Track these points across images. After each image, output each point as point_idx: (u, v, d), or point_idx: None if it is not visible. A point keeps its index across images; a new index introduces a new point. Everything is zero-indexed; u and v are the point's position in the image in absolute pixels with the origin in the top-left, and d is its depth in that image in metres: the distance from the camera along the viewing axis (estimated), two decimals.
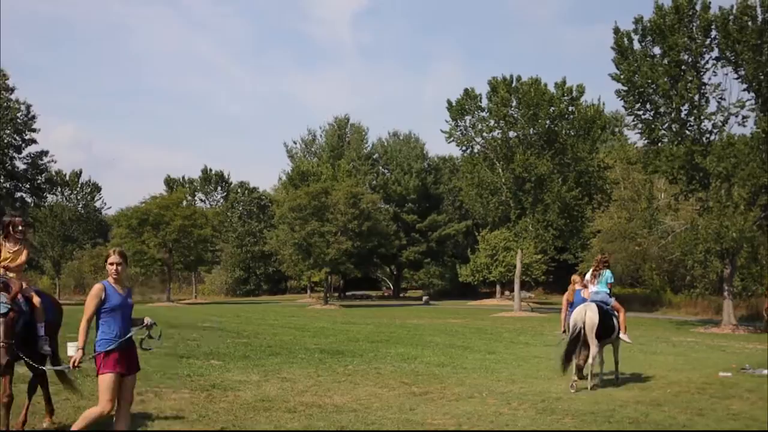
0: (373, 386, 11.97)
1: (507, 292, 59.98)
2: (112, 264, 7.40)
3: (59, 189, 70.43)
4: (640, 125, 31.96)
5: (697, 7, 29.59)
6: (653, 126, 31.37)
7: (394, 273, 75.25)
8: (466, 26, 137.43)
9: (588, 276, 13.65)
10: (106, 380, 6.80)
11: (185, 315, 34.90)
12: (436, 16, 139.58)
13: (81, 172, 77.33)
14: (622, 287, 48.74)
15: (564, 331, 14.14)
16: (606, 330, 12.79)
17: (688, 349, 20.16)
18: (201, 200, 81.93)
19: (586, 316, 12.53)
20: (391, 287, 76.02)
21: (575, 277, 14.73)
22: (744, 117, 29.55)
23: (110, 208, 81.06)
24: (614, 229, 49.04)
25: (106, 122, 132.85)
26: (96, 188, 79.27)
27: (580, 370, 12.55)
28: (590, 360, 12.60)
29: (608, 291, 13.30)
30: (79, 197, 76.64)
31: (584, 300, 13.42)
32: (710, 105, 30.34)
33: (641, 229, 36.27)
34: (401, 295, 73.26)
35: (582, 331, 12.51)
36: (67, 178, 73.94)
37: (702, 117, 30.23)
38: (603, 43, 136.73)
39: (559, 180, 39.75)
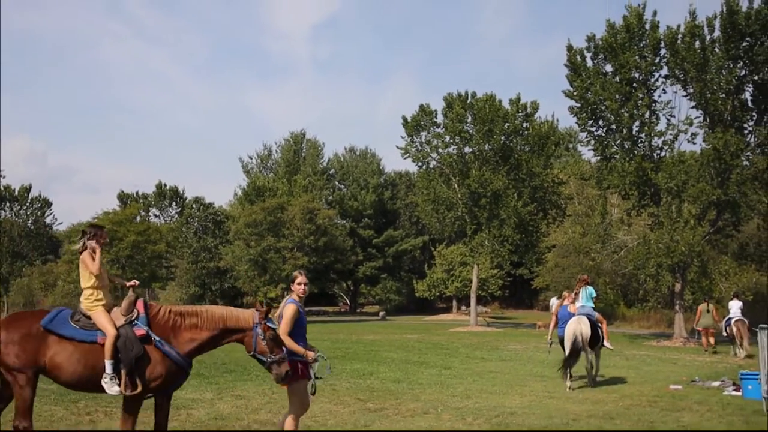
0: (329, 403, 11.91)
1: (463, 307, 60.20)
2: (300, 284, 7.86)
3: (8, 204, 69.09)
4: (593, 141, 32.43)
5: (647, 27, 30.22)
6: (606, 142, 31.85)
7: (351, 288, 75.04)
8: (423, 42, 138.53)
9: (574, 293, 15.59)
10: (302, 386, 7.60)
11: None
12: (393, 31, 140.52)
13: (31, 187, 76.05)
14: None
15: (551, 343, 16.82)
16: (594, 339, 14.72)
17: (641, 363, 20.43)
18: (155, 216, 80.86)
19: (582, 329, 14.33)
20: (348, 303, 75.78)
21: (565, 293, 16.67)
22: (693, 134, 30.20)
23: (61, 223, 79.73)
24: (569, 244, 49.55)
25: (62, 135, 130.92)
26: (47, 203, 77.93)
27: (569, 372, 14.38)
28: (587, 365, 14.65)
29: (593, 305, 15.30)
30: (28, 212, 75.25)
31: (570, 314, 15.21)
32: (660, 122, 30.97)
33: (595, 243, 36.69)
34: (358, 310, 73.06)
35: (579, 343, 14.22)
36: (17, 193, 72.57)
37: (652, 134, 30.80)
38: (557, 60, 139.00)
39: (515, 195, 40.09)
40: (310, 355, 7.63)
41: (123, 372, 6.97)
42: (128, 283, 7.92)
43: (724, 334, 24.30)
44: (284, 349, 7.42)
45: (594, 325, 14.81)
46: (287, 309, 7.63)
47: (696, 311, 26.29)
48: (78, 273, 7.82)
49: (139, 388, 7.08)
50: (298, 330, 7.67)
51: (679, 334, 30.07)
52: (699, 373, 17.01)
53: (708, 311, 24.99)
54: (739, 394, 13.28)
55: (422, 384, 14.64)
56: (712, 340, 25.15)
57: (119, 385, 6.96)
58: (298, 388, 7.57)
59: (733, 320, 23.17)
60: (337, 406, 11.62)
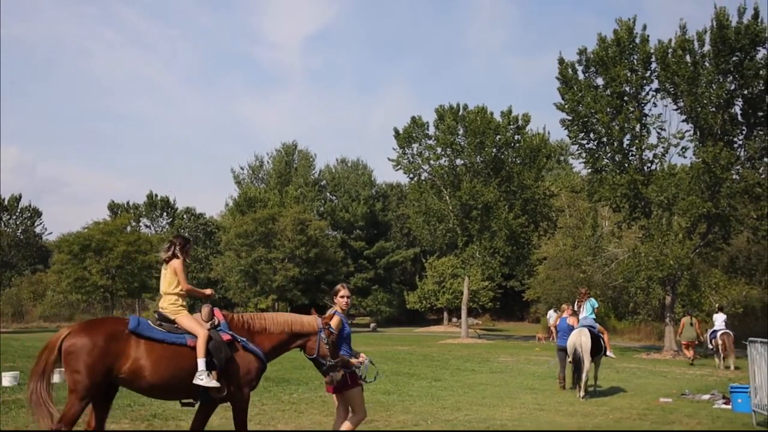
0: (318, 415, 11.87)
1: (454, 319, 60.13)
2: (343, 297, 8.61)
3: None
4: (584, 154, 32.55)
5: (637, 40, 30.41)
6: (597, 155, 31.99)
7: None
8: (416, 54, 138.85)
9: (575, 306, 16.54)
10: (358, 392, 8.05)
11: None
12: (386, 43, 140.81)
13: (20, 197, 75.70)
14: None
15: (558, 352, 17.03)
16: (596, 349, 15.37)
17: (631, 375, 20.44)
18: (146, 226, 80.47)
19: (582, 340, 15.05)
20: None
21: (564, 306, 17.54)
22: (683, 148, 30.35)
23: (51, 233, 79.37)
24: (559, 256, 49.61)
25: (51, 145, 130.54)
26: (36, 213, 77.56)
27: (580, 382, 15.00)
28: (583, 375, 14.88)
29: (594, 317, 16.04)
30: (18, 222, 74.91)
31: (570, 326, 16.20)
32: (651, 135, 31.14)
33: (586, 256, 36.77)
34: (349, 321, 72.81)
35: (580, 354, 14.92)
36: (6, 202, 72.31)
37: (643, 147, 30.96)
38: (549, 73, 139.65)
39: (506, 207, 40.14)
40: (354, 361, 8.16)
41: (215, 373, 7.27)
42: (207, 292, 8.25)
43: (710, 346, 24.71)
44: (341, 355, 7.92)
45: (596, 337, 15.52)
46: (333, 320, 8.19)
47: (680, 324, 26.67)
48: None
49: (225, 391, 7.42)
50: (342, 340, 8.25)
51: (669, 346, 30.13)
52: (689, 386, 17.04)
53: (691, 324, 25.55)
54: (729, 407, 13.30)
55: (413, 396, 14.60)
56: (692, 352, 25.59)
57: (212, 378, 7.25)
58: (357, 395, 8.03)
59: (719, 333, 23.68)
60: (327, 417, 11.57)
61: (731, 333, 23.92)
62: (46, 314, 64.61)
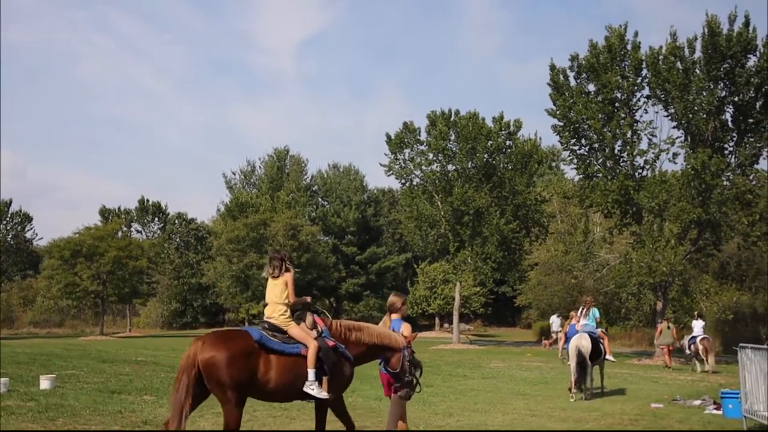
0: (310, 420, 11.79)
1: (446, 325, 60.11)
2: (404, 305, 9.34)
3: None
4: (575, 160, 32.63)
5: (629, 47, 30.54)
6: (588, 161, 32.07)
7: (334, 305, 74.79)
8: (409, 59, 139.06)
9: (579, 313, 17.61)
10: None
11: (118, 349, 34.06)
12: (379, 48, 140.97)
13: (11, 202, 75.48)
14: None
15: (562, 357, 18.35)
16: (596, 353, 16.44)
17: (622, 381, 20.47)
18: (137, 231, 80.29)
19: (582, 344, 16.13)
20: (330, 319, 75.60)
21: (573, 313, 18.70)
22: (674, 154, 30.47)
23: (42, 238, 79.13)
24: (551, 262, 49.72)
25: (42, 150, 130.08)
26: (27, 218, 77.35)
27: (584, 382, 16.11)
28: (588, 376, 16.08)
29: (595, 324, 17.27)
30: (8, 227, 74.63)
31: (578, 332, 17.07)
32: (642, 142, 31.25)
33: (577, 261, 36.87)
34: None
35: (581, 355, 15.96)
36: None
37: (634, 153, 31.06)
38: (540, 79, 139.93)
39: (497, 213, 40.16)
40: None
41: (325, 379, 7.89)
42: (308, 299, 8.66)
43: (688, 351, 25.58)
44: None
45: (595, 341, 16.60)
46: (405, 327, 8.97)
47: (657, 330, 27.38)
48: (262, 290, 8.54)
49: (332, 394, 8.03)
50: None
51: (661, 352, 30.17)
52: (680, 392, 17.08)
53: (668, 329, 26.62)
54: (720, 412, 13.33)
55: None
56: (668, 357, 26.42)
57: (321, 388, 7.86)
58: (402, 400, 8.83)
59: (698, 338, 24.65)
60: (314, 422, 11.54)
61: (710, 338, 25.37)
62: (36, 320, 64.32)
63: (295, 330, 7.98)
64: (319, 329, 8.14)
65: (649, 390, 18.19)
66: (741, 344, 12.12)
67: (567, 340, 18.13)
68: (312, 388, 7.74)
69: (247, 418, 11.89)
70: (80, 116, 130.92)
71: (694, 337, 25.02)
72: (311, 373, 7.75)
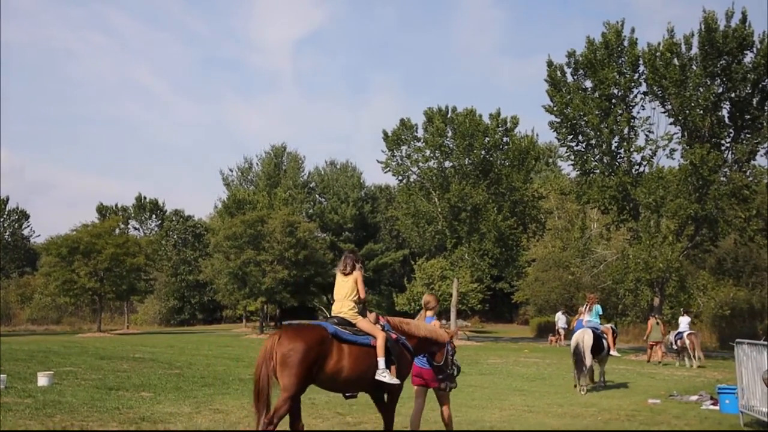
0: (307, 417, 11.83)
1: (443, 321, 59.97)
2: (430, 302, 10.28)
3: None
4: (572, 156, 32.66)
5: (625, 43, 30.55)
6: (585, 157, 32.10)
7: (331, 302, 74.77)
8: (405, 56, 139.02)
9: (584, 309, 18.31)
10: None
11: (116, 346, 34.05)
12: (375, 45, 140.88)
13: (8, 199, 75.45)
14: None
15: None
16: (598, 348, 17.21)
17: (619, 377, 20.51)
18: (135, 228, 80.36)
19: (584, 339, 16.84)
20: (328, 316, 75.40)
21: (580, 309, 19.16)
22: (672, 150, 30.50)
23: (39, 236, 79.08)
24: (548, 258, 49.74)
25: (40, 148, 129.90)
26: (24, 215, 77.31)
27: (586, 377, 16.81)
28: (584, 369, 16.68)
29: (598, 320, 18.09)
30: (6, 225, 74.54)
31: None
32: (639, 138, 31.28)
33: (574, 257, 36.88)
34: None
35: (581, 349, 16.67)
36: None
37: (631, 149, 31.09)
38: (538, 76, 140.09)
39: (494, 209, 40.17)
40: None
41: (393, 367, 8.40)
42: (368, 297, 9.05)
43: (674, 347, 26.30)
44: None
45: (598, 337, 17.32)
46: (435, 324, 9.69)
47: (647, 326, 27.72)
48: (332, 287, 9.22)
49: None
50: None
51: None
52: (677, 388, 17.12)
53: (657, 325, 26.94)
54: (717, 408, 13.36)
55: (401, 398, 14.51)
56: (659, 353, 26.84)
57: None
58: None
59: (685, 334, 25.41)
60: (316, 420, 11.57)
61: (697, 333, 26.45)
62: (33, 317, 64.28)
63: (363, 323, 8.50)
64: (381, 323, 8.65)
65: (646, 385, 18.23)
66: (738, 340, 12.14)
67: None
68: (384, 375, 8.22)
69: (244, 414, 11.93)
70: (77, 114, 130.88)
71: (680, 333, 25.73)
72: (381, 361, 8.23)
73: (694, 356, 24.95)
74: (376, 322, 8.66)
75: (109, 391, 14.78)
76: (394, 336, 8.62)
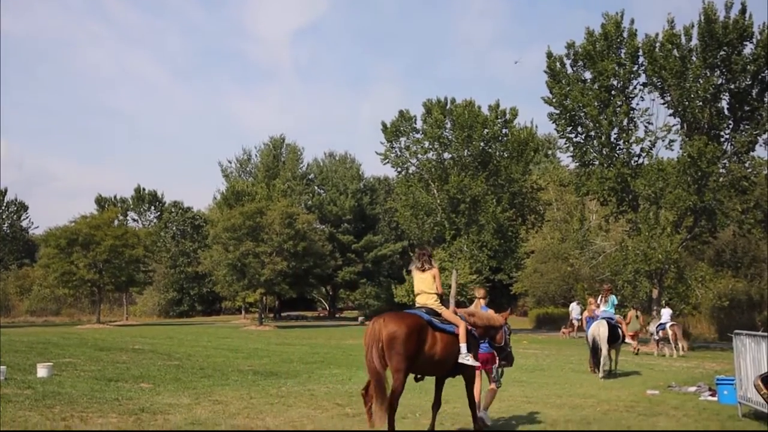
0: (307, 408, 11.87)
1: None
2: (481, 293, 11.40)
3: None
4: (571, 148, 32.64)
5: (625, 35, 30.49)
6: (584, 149, 32.08)
7: (330, 293, 74.85)
8: (405, 47, 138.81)
9: (599, 300, 19.21)
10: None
11: (115, 337, 34.08)
12: (375, 36, 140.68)
13: (6, 191, 75.35)
14: (555, 307, 49.46)
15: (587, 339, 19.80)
16: (613, 338, 18.13)
17: (618, 368, 20.51)
18: (134, 220, 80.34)
19: (600, 330, 17.84)
20: (327, 307, 75.57)
21: (591, 299, 20.44)
22: (671, 141, 30.49)
23: (38, 227, 79.03)
24: (547, 250, 49.78)
25: (38, 139, 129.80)
26: (23, 207, 77.24)
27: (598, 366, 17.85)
28: (602, 359, 17.74)
29: (613, 311, 19.01)
30: (4, 216, 74.48)
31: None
32: (638, 129, 31.25)
33: (573, 249, 36.90)
34: (337, 315, 72.87)
35: (598, 342, 17.74)
36: None
37: (630, 141, 31.06)
38: (537, 67, 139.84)
39: (493, 201, 40.19)
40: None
41: (471, 353, 9.37)
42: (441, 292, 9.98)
43: (656, 338, 27.27)
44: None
45: (613, 327, 18.26)
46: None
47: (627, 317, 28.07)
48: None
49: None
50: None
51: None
52: (676, 379, 17.15)
53: (637, 317, 27.45)
54: (715, 399, 13.38)
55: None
56: (635, 343, 27.34)
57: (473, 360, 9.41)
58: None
59: (667, 325, 26.41)
60: (315, 410, 11.58)
61: (680, 324, 27.75)
62: (33, 309, 64.28)
63: (446, 313, 9.43)
64: (459, 314, 9.65)
65: (644, 377, 18.27)
66: (736, 331, 12.15)
67: (589, 323, 19.57)
68: (467, 359, 9.24)
69: (243, 405, 11.95)
70: (76, 105, 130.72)
71: (662, 324, 26.65)
72: (464, 347, 9.21)
73: (676, 346, 25.98)
74: (455, 312, 9.64)
75: (109, 383, 14.79)
76: (469, 326, 9.50)
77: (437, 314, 9.31)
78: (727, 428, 10.52)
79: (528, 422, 10.82)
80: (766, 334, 11.00)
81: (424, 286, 9.54)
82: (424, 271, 9.60)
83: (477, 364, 9.61)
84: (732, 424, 10.79)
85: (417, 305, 9.54)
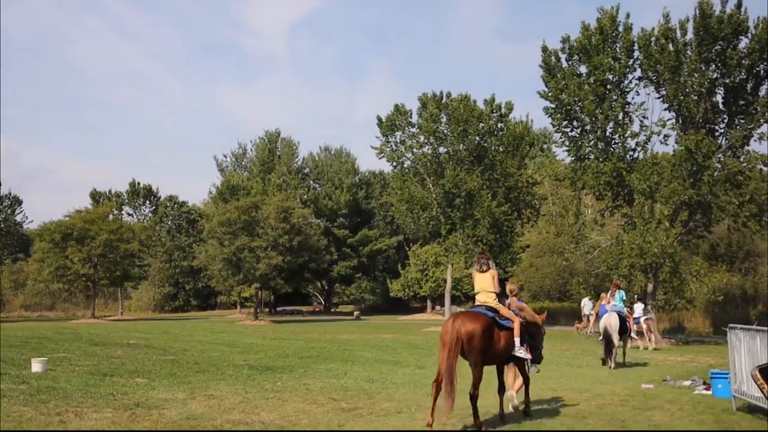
0: (302, 402, 11.87)
1: (438, 307, 60.27)
2: (515, 290, 11.85)
3: None
4: (567, 142, 32.60)
5: (620, 29, 30.46)
6: (580, 143, 32.04)
7: (326, 288, 74.91)
8: (401, 41, 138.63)
9: (609, 295, 20.55)
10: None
11: (110, 332, 34.04)
12: (371, 30, 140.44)
13: (0, 185, 75.21)
14: (551, 301, 49.50)
15: (596, 332, 21.94)
16: (622, 329, 19.35)
17: (627, 360, 20.56)
18: (129, 214, 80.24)
19: (611, 321, 18.93)
20: (323, 302, 75.68)
21: (603, 295, 21.79)
22: (666, 136, 30.48)
23: (32, 222, 78.89)
24: (543, 244, 49.83)
25: (33, 133, 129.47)
26: (17, 201, 77.12)
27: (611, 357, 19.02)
28: (614, 350, 18.94)
29: (622, 305, 20.22)
30: None
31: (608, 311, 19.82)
32: (634, 124, 31.24)
33: (569, 243, 36.90)
34: (332, 310, 72.97)
35: (610, 332, 18.80)
36: None
37: (626, 135, 31.06)
38: (533, 61, 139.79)
39: (489, 195, 40.15)
40: None
41: (525, 345, 10.66)
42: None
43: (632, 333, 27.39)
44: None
45: (623, 320, 19.38)
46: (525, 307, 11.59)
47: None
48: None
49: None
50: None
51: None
52: (670, 373, 17.18)
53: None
54: (710, 392, 13.42)
55: (396, 383, 14.63)
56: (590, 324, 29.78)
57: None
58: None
59: (642, 319, 27.69)
60: (310, 405, 11.59)
61: (653, 318, 29.77)
62: (27, 303, 64.25)
63: (504, 311, 10.54)
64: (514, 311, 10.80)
65: (639, 371, 18.33)
66: (731, 325, 12.17)
67: (598, 318, 20.79)
68: (521, 352, 10.54)
69: (239, 400, 11.95)
70: (72, 100, 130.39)
71: (637, 318, 27.09)
72: (518, 341, 10.45)
73: (650, 339, 27.56)
74: (510, 309, 10.72)
75: (104, 377, 14.79)
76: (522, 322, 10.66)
77: (495, 311, 10.37)
78: (722, 422, 10.54)
79: (521, 416, 10.85)
80: (760, 328, 11.02)
81: (485, 285, 10.65)
82: (484, 272, 10.73)
83: (529, 356, 10.80)
84: (726, 418, 10.82)
85: (477, 303, 10.61)
